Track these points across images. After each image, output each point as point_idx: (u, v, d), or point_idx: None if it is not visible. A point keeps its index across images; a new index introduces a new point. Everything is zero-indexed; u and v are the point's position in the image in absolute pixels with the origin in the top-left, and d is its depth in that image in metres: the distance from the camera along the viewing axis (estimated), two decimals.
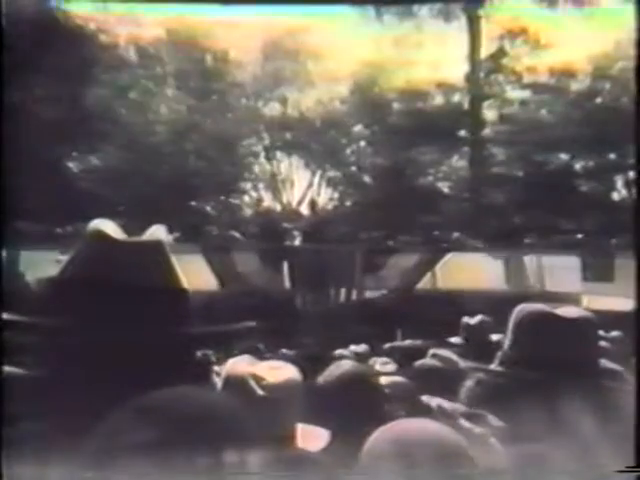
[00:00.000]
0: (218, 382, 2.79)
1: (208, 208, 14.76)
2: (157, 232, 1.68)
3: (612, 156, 13.98)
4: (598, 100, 14.21)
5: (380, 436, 1.39)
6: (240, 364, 1.95)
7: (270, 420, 1.53)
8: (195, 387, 1.18)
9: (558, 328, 2.21)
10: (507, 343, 2.32)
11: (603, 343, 3.85)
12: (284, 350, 5.97)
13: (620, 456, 1.75)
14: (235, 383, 1.82)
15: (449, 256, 11.65)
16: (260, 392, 1.75)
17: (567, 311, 2.31)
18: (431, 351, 4.05)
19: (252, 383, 1.77)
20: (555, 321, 2.26)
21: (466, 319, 5.73)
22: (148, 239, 1.59)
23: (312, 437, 1.84)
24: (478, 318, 5.64)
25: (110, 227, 1.57)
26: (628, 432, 1.93)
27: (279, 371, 1.84)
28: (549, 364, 2.05)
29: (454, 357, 3.94)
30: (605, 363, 2.46)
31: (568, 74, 14.32)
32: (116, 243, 1.57)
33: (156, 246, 1.62)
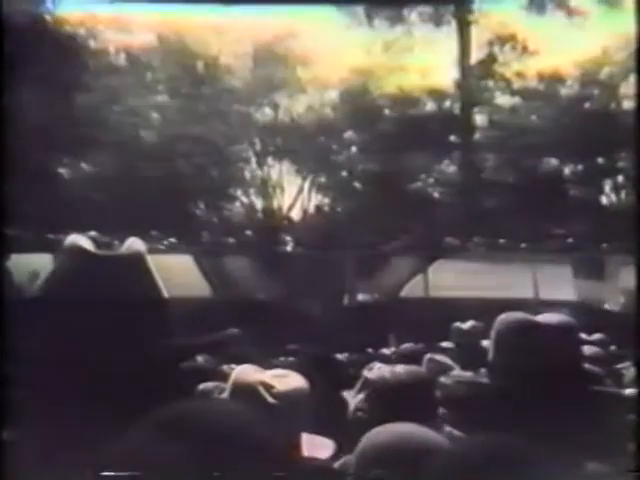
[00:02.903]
0: (211, 390, 2.78)
1: (199, 214, 14.75)
2: (134, 244, 1.67)
3: (601, 161, 14.07)
4: (587, 105, 14.31)
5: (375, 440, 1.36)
6: (247, 372, 1.93)
7: (281, 428, 1.54)
8: (203, 399, 1.16)
9: (539, 336, 2.22)
10: (491, 353, 2.33)
11: (587, 347, 3.87)
12: (281, 357, 5.95)
13: (606, 459, 1.77)
14: (244, 391, 1.81)
15: (440, 261, 11.66)
16: (271, 400, 1.74)
17: (547, 318, 2.32)
18: (427, 356, 4.06)
19: (262, 391, 1.76)
20: (536, 329, 2.27)
21: (458, 324, 5.74)
22: (127, 252, 1.58)
23: (317, 446, 1.85)
24: (470, 323, 5.65)
25: (85, 242, 1.56)
26: (612, 435, 1.95)
27: (286, 379, 1.85)
28: (532, 372, 2.06)
29: (450, 362, 3.96)
30: (588, 367, 2.47)
31: (557, 80, 14.41)
32: (95, 257, 1.56)
33: (135, 258, 1.61)
